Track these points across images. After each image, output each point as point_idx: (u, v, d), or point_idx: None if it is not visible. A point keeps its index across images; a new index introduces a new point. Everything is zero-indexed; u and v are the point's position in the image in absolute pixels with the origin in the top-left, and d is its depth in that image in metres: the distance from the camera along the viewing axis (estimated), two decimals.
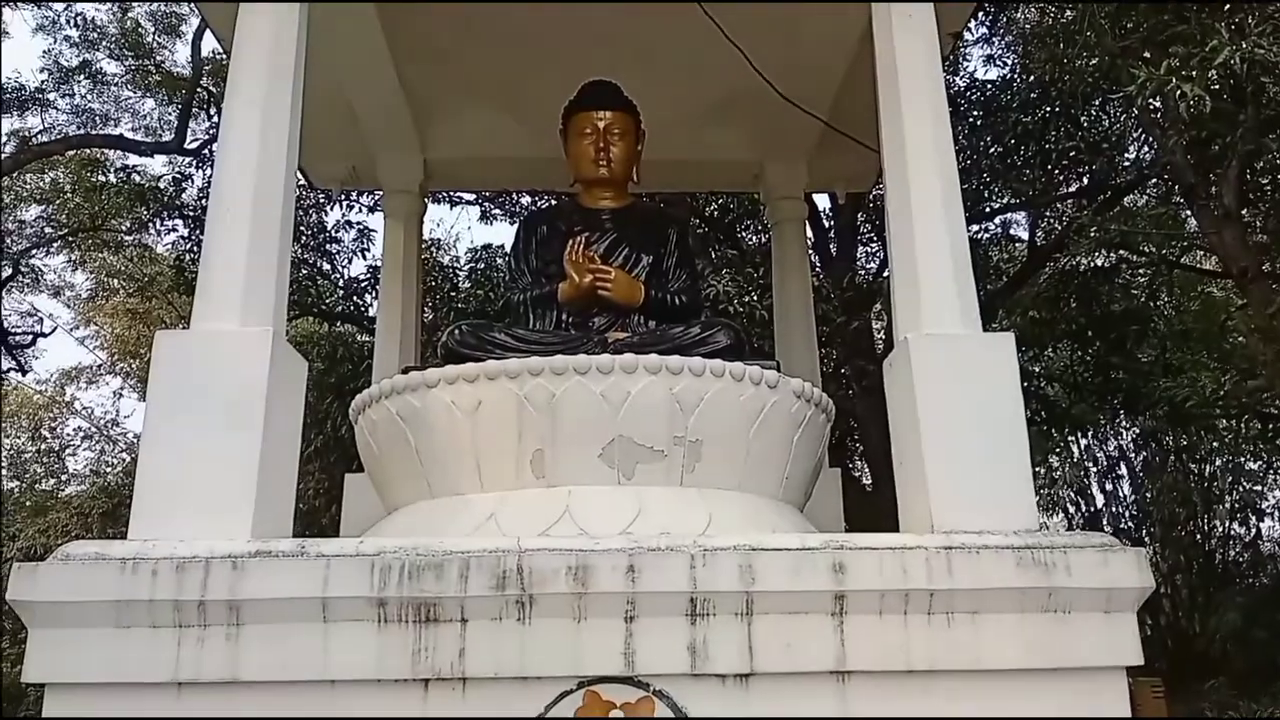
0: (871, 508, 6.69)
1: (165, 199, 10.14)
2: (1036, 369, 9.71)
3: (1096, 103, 7.69)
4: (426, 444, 2.92)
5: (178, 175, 10.33)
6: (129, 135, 10.91)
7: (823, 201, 9.27)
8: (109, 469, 14.03)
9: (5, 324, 11.95)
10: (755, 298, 6.89)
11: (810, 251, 8.04)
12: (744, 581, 2.28)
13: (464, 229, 32.26)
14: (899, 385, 2.79)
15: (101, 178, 10.73)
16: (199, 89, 10.18)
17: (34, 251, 12.07)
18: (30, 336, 12.93)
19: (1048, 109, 7.70)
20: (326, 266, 10.44)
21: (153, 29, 11.30)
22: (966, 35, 8.14)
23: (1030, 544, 2.38)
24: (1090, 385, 9.15)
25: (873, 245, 10.16)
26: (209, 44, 9.83)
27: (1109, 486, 11.11)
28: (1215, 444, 9.80)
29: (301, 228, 9.64)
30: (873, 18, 3.19)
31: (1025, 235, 9.84)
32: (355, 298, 10.47)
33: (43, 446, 14.82)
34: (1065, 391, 9.67)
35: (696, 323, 3.37)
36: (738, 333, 3.28)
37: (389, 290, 5.00)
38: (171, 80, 11.08)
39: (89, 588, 2.23)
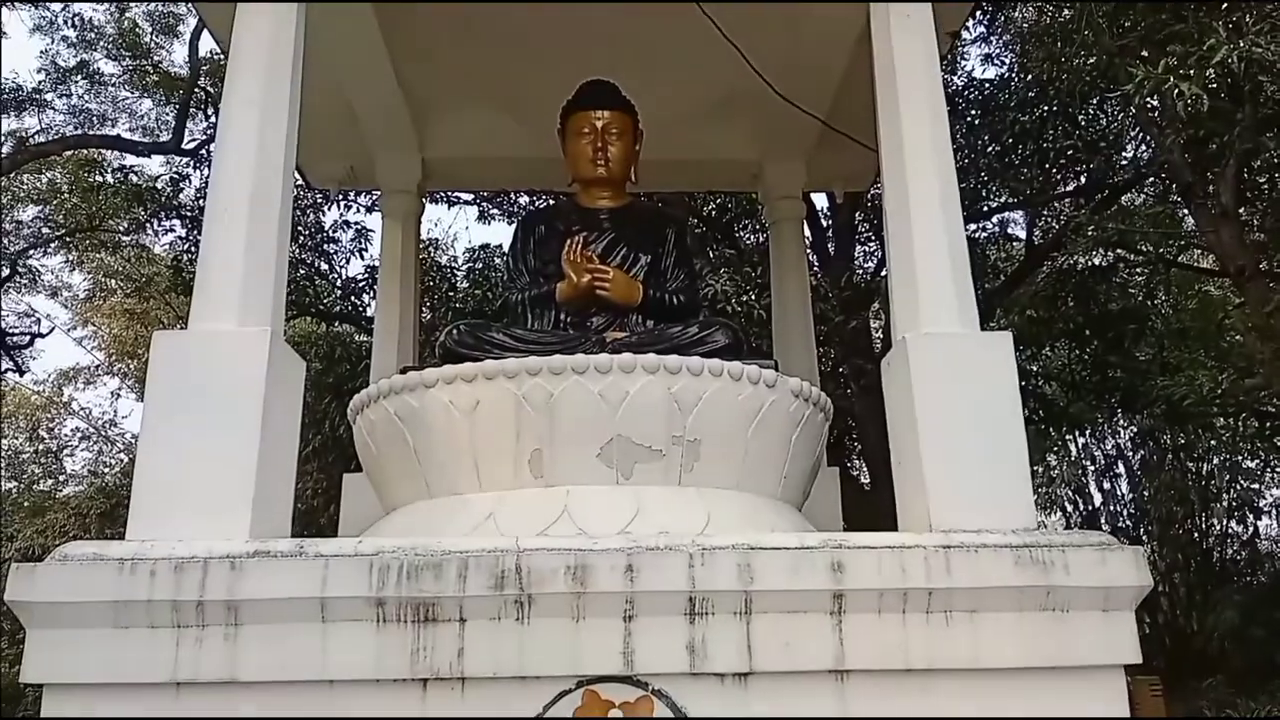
0: (870, 507, 6.69)
1: (163, 199, 10.14)
2: (1034, 368, 9.71)
3: (1094, 102, 7.69)
4: (425, 444, 2.92)
5: (175, 175, 10.33)
6: (126, 135, 10.91)
7: (820, 201, 9.28)
8: (107, 469, 14.04)
9: (3, 324, 11.95)
10: (753, 297, 6.90)
11: (808, 251, 8.03)
12: (743, 581, 2.28)
13: (462, 229, 32.35)
14: (897, 384, 2.79)
15: (99, 178, 10.72)
16: (196, 89, 10.17)
17: (31, 252, 12.05)
18: (28, 337, 12.91)
19: (1045, 108, 7.70)
20: (324, 266, 10.43)
21: (150, 29, 11.30)
22: (964, 34, 8.14)
23: (1028, 543, 2.38)
24: (1088, 384, 9.16)
25: (871, 244, 10.16)
26: (207, 44, 9.85)
27: (1107, 485, 11.11)
28: (1213, 442, 9.80)
29: (299, 228, 9.63)
30: (871, 17, 3.19)
31: (1023, 234, 9.84)
32: (353, 298, 10.47)
33: (40, 447, 14.83)
34: (1063, 390, 9.68)
35: (695, 322, 3.37)
36: (736, 332, 3.28)
37: (387, 290, 5.00)
38: (169, 80, 11.07)
39: (87, 588, 2.23)
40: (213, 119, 9.84)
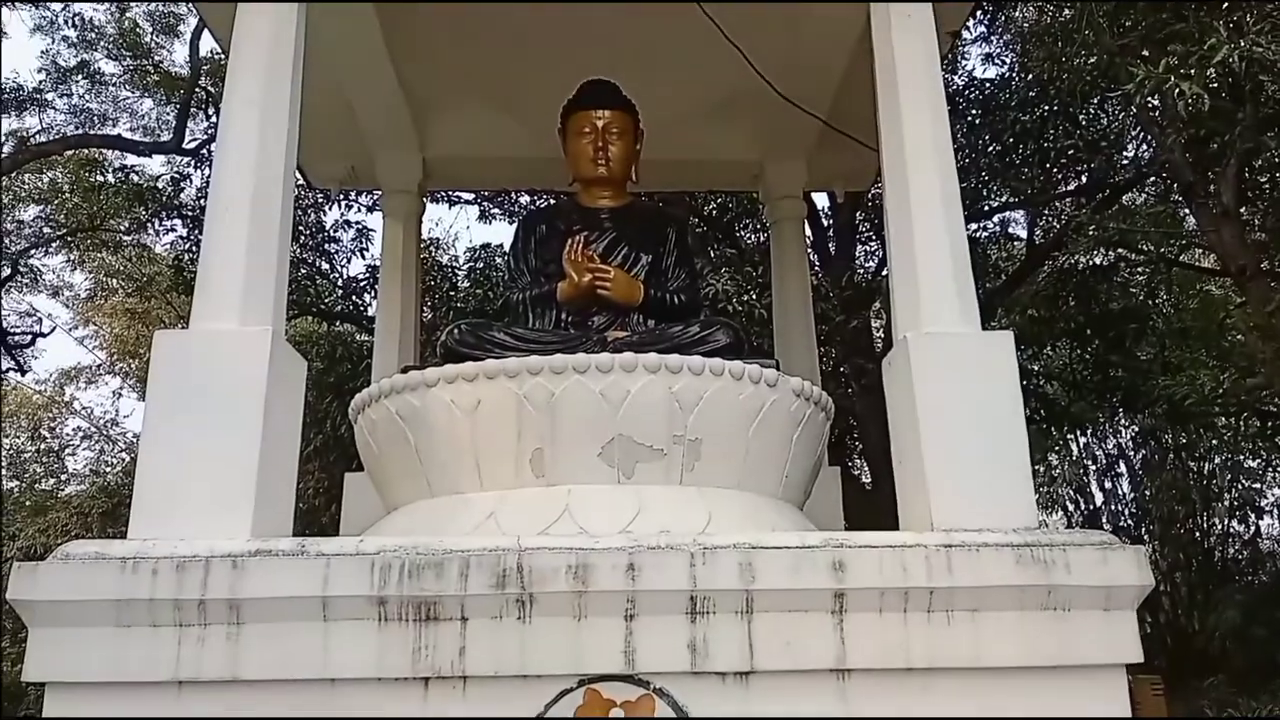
0: (871, 506, 6.69)
1: (164, 199, 10.14)
2: (1035, 367, 9.70)
3: (1095, 101, 7.68)
4: (426, 443, 2.92)
5: (176, 175, 10.32)
6: (127, 135, 10.90)
7: (821, 200, 9.28)
8: (108, 469, 14.03)
9: (4, 324, 11.95)
10: (754, 296, 6.89)
11: (809, 250, 8.04)
12: (744, 580, 2.28)
13: (463, 228, 32.41)
14: (898, 384, 2.79)
15: (100, 178, 10.71)
16: (197, 89, 10.16)
17: (33, 251, 12.05)
18: (29, 336, 12.91)
19: (1046, 107, 7.70)
20: (325, 266, 10.42)
21: (151, 29, 11.29)
22: (965, 34, 8.14)
23: (1030, 542, 2.38)
24: (1089, 383, 9.15)
25: (871, 244, 10.16)
26: (207, 44, 9.83)
27: (1108, 484, 11.11)
28: (1214, 442, 9.79)
29: (300, 227, 9.63)
30: (871, 17, 3.19)
31: (1024, 234, 9.84)
32: (354, 297, 10.46)
33: (42, 446, 14.82)
34: (1064, 390, 9.67)
35: (696, 321, 3.37)
36: (737, 331, 3.28)
37: (388, 289, 5.00)
38: (170, 80, 11.06)
39: (89, 587, 2.23)
40: (213, 119, 9.85)
